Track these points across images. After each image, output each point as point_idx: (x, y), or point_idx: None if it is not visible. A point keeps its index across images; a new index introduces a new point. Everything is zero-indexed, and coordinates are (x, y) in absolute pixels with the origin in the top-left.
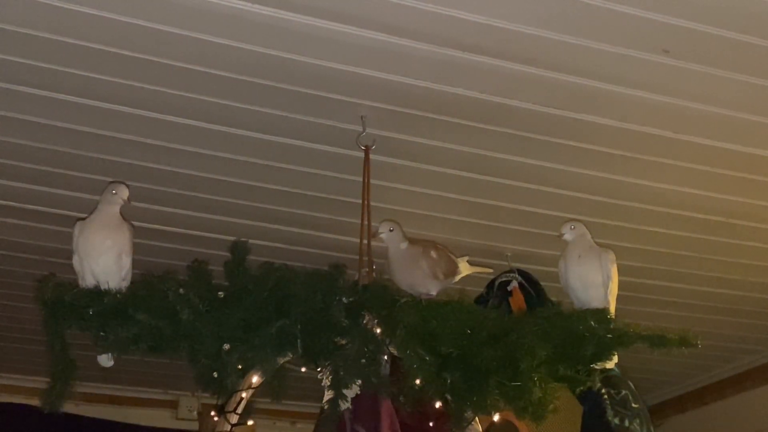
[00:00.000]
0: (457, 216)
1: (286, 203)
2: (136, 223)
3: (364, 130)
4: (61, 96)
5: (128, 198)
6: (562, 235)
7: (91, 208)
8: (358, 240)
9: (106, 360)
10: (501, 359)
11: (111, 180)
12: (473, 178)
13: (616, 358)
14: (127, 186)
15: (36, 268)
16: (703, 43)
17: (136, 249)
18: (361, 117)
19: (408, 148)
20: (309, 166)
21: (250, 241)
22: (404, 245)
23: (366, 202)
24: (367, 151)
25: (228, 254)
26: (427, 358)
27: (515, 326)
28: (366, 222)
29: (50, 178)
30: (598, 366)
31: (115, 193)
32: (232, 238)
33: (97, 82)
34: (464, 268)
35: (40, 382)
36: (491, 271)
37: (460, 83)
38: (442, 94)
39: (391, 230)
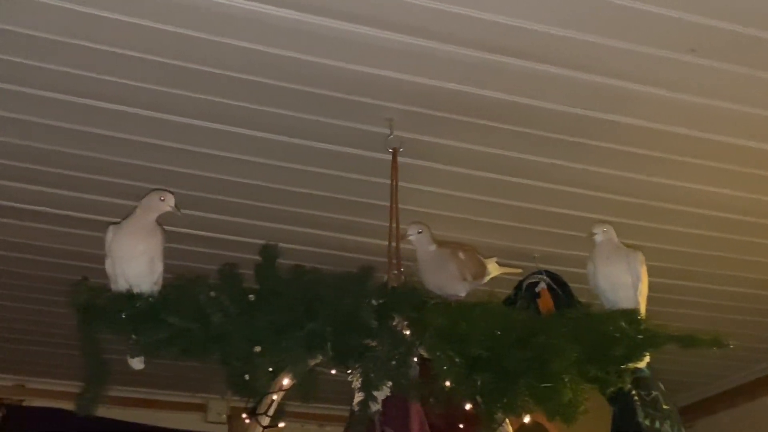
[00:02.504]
0: (485, 218)
1: (315, 206)
2: (166, 228)
3: (391, 132)
4: (93, 102)
5: (176, 207)
6: (593, 235)
7: (124, 213)
8: (387, 242)
9: (137, 363)
10: (531, 361)
11: (152, 186)
12: (501, 179)
13: (646, 359)
14: (173, 194)
15: (69, 272)
16: (730, 41)
17: (167, 253)
18: (389, 120)
19: (436, 151)
20: (337, 169)
21: (280, 244)
22: (433, 247)
23: (394, 205)
24: (395, 154)
25: (258, 257)
26: (457, 360)
27: (544, 327)
28: (394, 224)
29: (83, 184)
30: (628, 367)
31: (163, 200)
32: (262, 242)
33: (125, 88)
34: (493, 270)
35: (74, 386)
36: (520, 272)
37: (487, 85)
38: (469, 96)
39: (419, 232)
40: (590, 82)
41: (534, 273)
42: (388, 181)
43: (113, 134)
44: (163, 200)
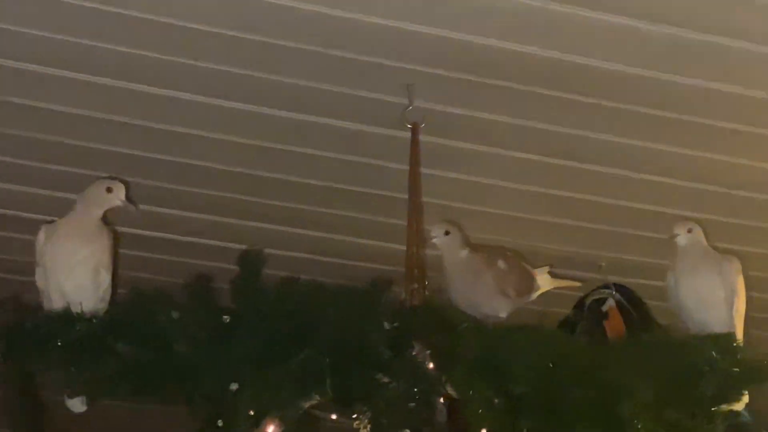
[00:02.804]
0: (534, 214)
1: (312, 200)
2: (117, 228)
3: (410, 102)
4: (15, 63)
5: (128, 198)
6: (675, 237)
7: (61, 209)
8: (405, 247)
9: (77, 405)
10: (593, 402)
11: (98, 174)
12: (554, 164)
13: (745, 400)
14: (126, 183)
15: None
16: None
17: (120, 261)
18: (407, 86)
19: (467, 126)
20: (340, 151)
21: (265, 249)
22: (464, 253)
23: (414, 198)
24: (414, 130)
25: (237, 267)
26: (496, 401)
27: (612, 358)
28: (414, 223)
29: (9, 171)
30: (721, 410)
31: (111, 192)
32: (242, 247)
33: (61, 45)
34: (544, 283)
35: None
36: (580, 285)
37: (535, 40)
38: (512, 55)
39: (447, 233)
40: (678, 38)
41: (600, 287)
42: (406, 167)
43: (46, 105)
44: (111, 192)
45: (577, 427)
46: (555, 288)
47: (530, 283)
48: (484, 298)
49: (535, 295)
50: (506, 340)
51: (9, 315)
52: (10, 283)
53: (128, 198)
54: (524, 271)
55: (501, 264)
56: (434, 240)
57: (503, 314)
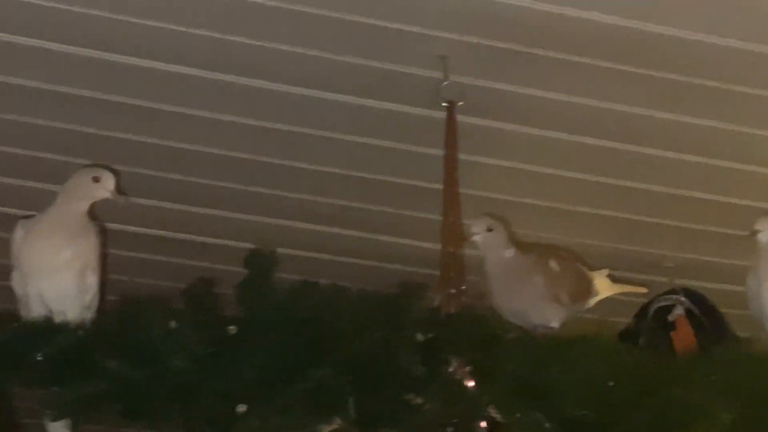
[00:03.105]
0: (589, 206)
1: (330, 191)
2: (109, 225)
3: (446, 77)
4: None
5: (118, 189)
6: (755, 233)
7: (41, 202)
8: (440, 246)
9: (60, 429)
10: (659, 425)
11: (87, 162)
12: (612, 148)
13: None
14: (116, 172)
15: None
16: None
17: (110, 263)
18: (442, 58)
19: (512, 104)
20: (365, 134)
21: (278, 249)
22: (510, 252)
23: (450, 188)
24: (451, 109)
25: (244, 269)
26: (547, 425)
27: (681, 375)
28: (450, 218)
29: None
30: None
31: (98, 182)
32: (249, 246)
33: (44, 13)
34: (603, 287)
35: None
36: (645, 291)
37: (593, 3)
38: (564, 21)
39: (490, 230)
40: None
41: (666, 293)
42: (441, 152)
43: (18, 81)
44: (98, 181)
45: None
46: (616, 294)
47: (587, 288)
48: (533, 304)
49: (592, 301)
50: (559, 355)
51: None
52: None
53: (118, 189)
54: (580, 274)
55: (553, 265)
56: (475, 237)
57: (555, 324)
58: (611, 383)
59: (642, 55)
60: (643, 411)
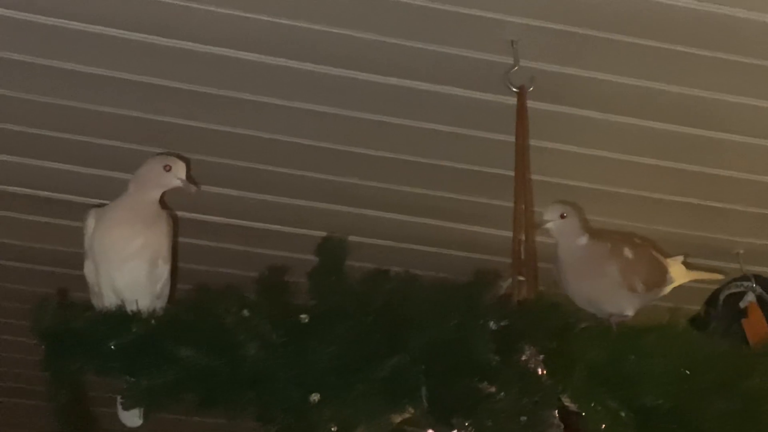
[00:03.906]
0: (662, 193)
1: (401, 178)
2: (180, 214)
3: (516, 63)
4: (66, 23)
5: (189, 178)
6: None
7: (113, 191)
8: (512, 234)
9: (132, 418)
10: (737, 416)
11: (159, 150)
12: (688, 133)
13: None
14: (187, 160)
15: (41, 283)
16: None
17: (179, 252)
18: (512, 42)
19: (583, 89)
20: (434, 120)
21: (350, 237)
22: (584, 240)
23: (521, 175)
24: (521, 95)
25: (315, 257)
26: (622, 414)
27: (758, 364)
28: (522, 205)
29: (53, 148)
30: None
31: (170, 170)
32: (322, 234)
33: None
34: (678, 275)
35: None
36: (721, 278)
37: None
38: (636, 5)
39: (563, 216)
40: None
41: (737, 279)
42: (512, 138)
43: (89, 69)
44: (169, 170)
45: None
46: (691, 281)
47: (662, 276)
48: (607, 293)
49: (667, 289)
50: (634, 343)
51: (54, 314)
52: (55, 278)
53: (189, 177)
54: (655, 261)
55: (627, 253)
56: (548, 225)
57: (630, 312)
58: (686, 372)
59: (717, 38)
60: (719, 401)
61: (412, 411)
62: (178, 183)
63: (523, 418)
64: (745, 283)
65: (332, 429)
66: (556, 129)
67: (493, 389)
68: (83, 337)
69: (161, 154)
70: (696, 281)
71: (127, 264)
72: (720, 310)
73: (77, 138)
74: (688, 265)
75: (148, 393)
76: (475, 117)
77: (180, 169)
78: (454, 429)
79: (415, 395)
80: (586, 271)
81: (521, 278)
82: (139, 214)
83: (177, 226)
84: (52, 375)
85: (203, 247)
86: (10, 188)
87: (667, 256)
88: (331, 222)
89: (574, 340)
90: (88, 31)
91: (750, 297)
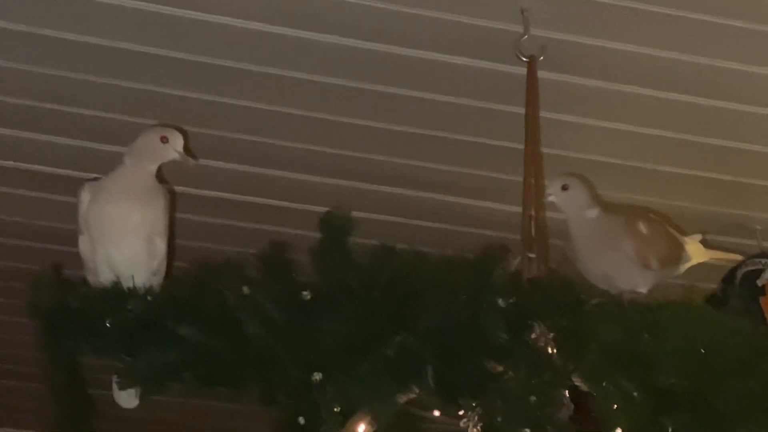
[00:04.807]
0: (677, 167)
1: (407, 151)
2: (178, 189)
3: (526, 31)
4: None
5: (187, 150)
6: None
7: (109, 164)
8: (521, 208)
9: (128, 399)
10: (754, 397)
11: (153, 122)
12: (705, 105)
13: None
14: (185, 132)
15: (36, 260)
16: None
17: (177, 228)
18: (522, 10)
19: (595, 59)
20: (441, 91)
21: (354, 212)
22: (593, 213)
23: (531, 147)
24: (531, 64)
25: (319, 233)
26: (635, 395)
27: None
28: (532, 179)
29: (44, 121)
30: None
31: (166, 142)
32: (325, 209)
33: None
34: (695, 253)
35: None
36: (740, 258)
37: None
38: None
39: (565, 188)
40: None
41: (754, 256)
42: (522, 110)
43: (86, 39)
44: (166, 141)
45: (737, 426)
46: (709, 260)
47: (678, 253)
48: (620, 269)
49: (683, 268)
50: (648, 321)
51: (48, 292)
52: (49, 254)
53: (187, 150)
54: (670, 238)
55: (642, 228)
56: (550, 198)
57: (643, 289)
58: (703, 351)
59: (735, 5)
60: (736, 381)
61: (419, 392)
62: (175, 155)
63: (533, 398)
64: (764, 260)
65: (336, 409)
66: (568, 100)
67: (502, 369)
68: (78, 315)
69: (158, 125)
70: (717, 261)
71: (125, 239)
72: (737, 288)
73: (71, 110)
74: (706, 244)
75: (146, 373)
76: (484, 88)
77: (177, 141)
78: (461, 410)
79: (421, 375)
80: (598, 245)
81: (531, 255)
82: (136, 188)
83: (174, 201)
84: (49, 355)
85: (202, 223)
86: (1, 162)
87: (684, 233)
88: (334, 197)
89: (586, 318)
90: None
91: None
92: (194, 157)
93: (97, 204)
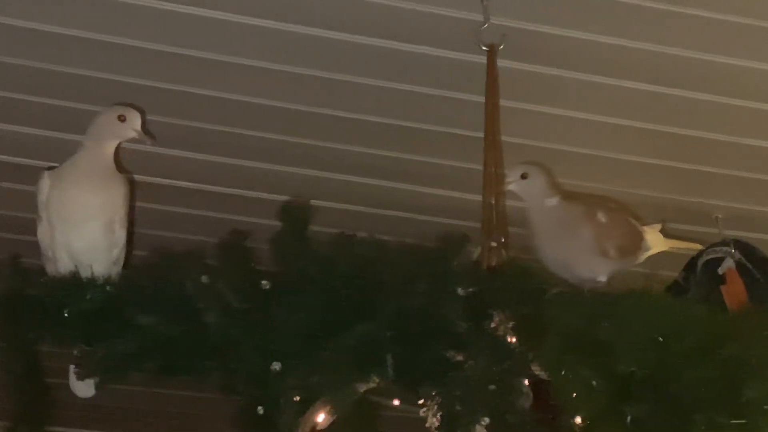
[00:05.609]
0: (637, 155)
1: (367, 140)
2: (137, 177)
3: (486, 20)
4: None
5: (145, 129)
6: None
7: (67, 152)
8: (481, 197)
9: (85, 388)
10: (713, 384)
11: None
12: (665, 93)
13: None
14: (143, 111)
15: None
16: None
17: (139, 216)
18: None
19: (556, 48)
20: (401, 79)
21: (313, 201)
22: (553, 202)
23: (491, 135)
24: (491, 53)
25: (278, 222)
26: (594, 383)
27: (735, 331)
28: (492, 167)
29: (6, 110)
30: None
31: (124, 121)
32: (285, 198)
33: None
34: (655, 242)
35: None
36: (700, 248)
37: None
38: None
39: (524, 177)
40: None
41: (715, 245)
42: (482, 98)
43: (42, 27)
44: (123, 120)
45: (695, 413)
46: (669, 249)
47: (637, 242)
48: (579, 257)
49: (642, 257)
50: (608, 309)
51: (6, 281)
52: (7, 243)
53: (144, 128)
54: (629, 227)
55: (601, 217)
56: (509, 186)
57: (602, 278)
58: (661, 339)
59: None
60: (696, 368)
61: (378, 380)
62: (133, 134)
63: (493, 387)
64: (724, 249)
65: (295, 398)
66: (528, 88)
67: (461, 357)
68: (36, 304)
69: (116, 104)
70: (676, 250)
71: (86, 225)
72: (698, 277)
73: (29, 98)
74: (666, 233)
75: (104, 362)
76: (444, 76)
77: (135, 120)
78: (421, 398)
79: (381, 364)
80: (557, 234)
81: (492, 243)
82: (97, 171)
83: (135, 190)
84: (8, 344)
85: (162, 212)
86: None
87: (644, 222)
88: (295, 186)
89: (546, 307)
90: None
91: (729, 263)
92: (152, 135)
93: (57, 189)
